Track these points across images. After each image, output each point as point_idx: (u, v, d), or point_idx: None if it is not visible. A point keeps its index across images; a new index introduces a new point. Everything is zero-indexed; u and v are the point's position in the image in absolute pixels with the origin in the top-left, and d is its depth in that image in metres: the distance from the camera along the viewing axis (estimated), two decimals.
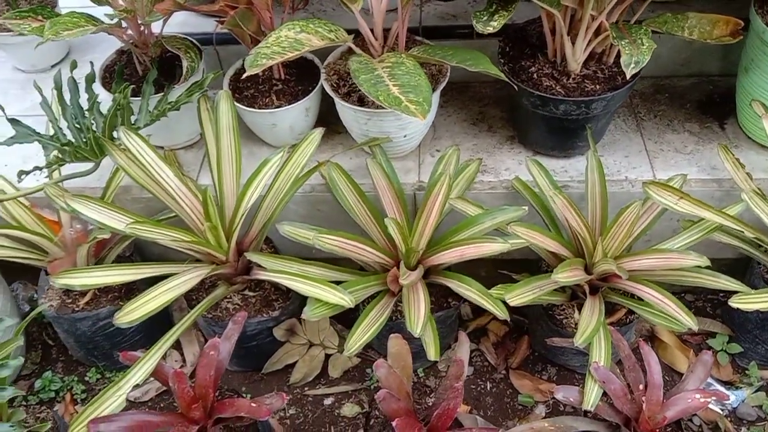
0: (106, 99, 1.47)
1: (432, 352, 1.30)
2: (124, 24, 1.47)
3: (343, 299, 1.28)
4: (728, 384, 1.61)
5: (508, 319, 1.31)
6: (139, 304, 1.24)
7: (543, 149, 1.53)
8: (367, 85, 1.20)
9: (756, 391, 1.58)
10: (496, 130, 1.62)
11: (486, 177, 1.52)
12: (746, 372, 1.61)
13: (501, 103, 1.68)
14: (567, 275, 1.27)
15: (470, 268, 1.67)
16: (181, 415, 1.28)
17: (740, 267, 1.62)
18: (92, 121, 1.40)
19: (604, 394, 1.29)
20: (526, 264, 1.59)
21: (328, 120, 1.59)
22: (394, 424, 1.19)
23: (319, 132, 1.42)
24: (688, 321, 1.25)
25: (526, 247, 1.36)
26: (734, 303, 1.28)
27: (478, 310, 1.76)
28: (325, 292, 1.28)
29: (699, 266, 1.27)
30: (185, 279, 1.31)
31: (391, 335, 1.31)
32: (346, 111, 1.44)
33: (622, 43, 1.15)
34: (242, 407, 1.25)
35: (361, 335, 1.31)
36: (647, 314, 1.35)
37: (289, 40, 1.24)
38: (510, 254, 1.48)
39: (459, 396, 1.27)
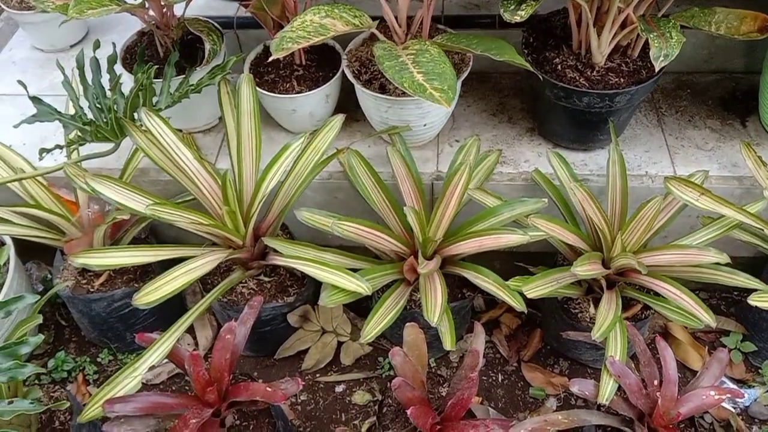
0: (126, 80, 1.47)
1: (448, 342, 1.30)
2: (146, 5, 1.46)
3: (361, 286, 1.28)
4: (741, 382, 1.60)
5: (525, 311, 1.30)
6: (157, 285, 1.24)
7: (563, 142, 1.52)
8: (392, 71, 1.19)
9: None
10: (516, 122, 1.61)
11: (505, 168, 1.51)
12: (759, 371, 1.60)
13: (521, 94, 1.67)
14: (586, 268, 1.27)
15: (485, 260, 1.66)
16: (196, 398, 1.28)
17: (757, 265, 1.61)
18: (114, 102, 1.39)
19: (619, 388, 1.29)
20: (542, 257, 1.59)
21: (347, 107, 1.59)
22: (408, 412, 1.19)
23: (339, 118, 1.42)
24: (706, 317, 1.24)
25: (542, 240, 1.36)
26: (753, 301, 1.28)
27: (492, 302, 1.76)
28: (342, 279, 1.28)
29: (718, 263, 1.26)
30: (203, 262, 1.31)
31: (408, 324, 1.31)
32: (367, 98, 1.44)
33: (651, 36, 1.14)
34: (258, 391, 1.25)
35: (376, 323, 1.31)
36: (664, 310, 1.34)
37: (314, 24, 1.23)
38: (526, 247, 1.47)
39: (474, 386, 1.27)
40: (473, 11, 1.66)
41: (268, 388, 1.24)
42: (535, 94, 1.51)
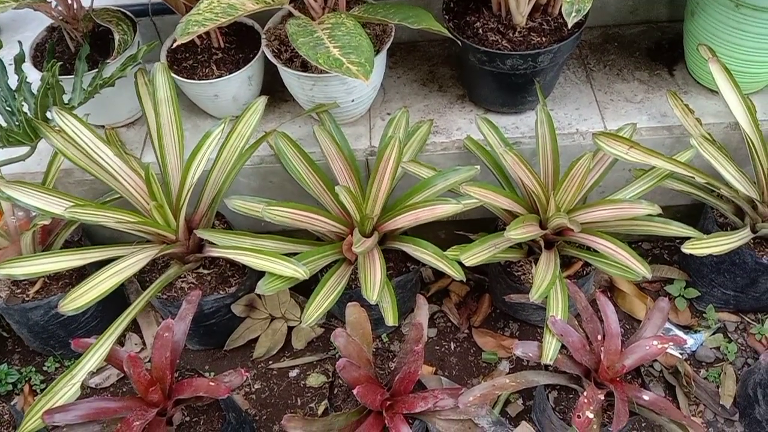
0: (39, 79, 1.40)
1: (390, 318, 1.29)
2: None
3: (298, 271, 1.26)
4: (687, 328, 1.63)
5: (464, 279, 1.30)
6: (84, 290, 1.20)
7: (493, 106, 1.51)
8: (306, 48, 1.16)
9: (714, 334, 1.61)
10: (446, 90, 1.59)
11: (438, 138, 1.50)
12: (704, 315, 1.63)
13: (450, 61, 1.65)
14: (520, 232, 1.26)
15: (430, 232, 1.66)
16: (140, 399, 1.25)
17: (695, 212, 1.64)
18: (23, 103, 1.33)
19: (564, 346, 1.30)
20: (485, 223, 1.59)
21: (274, 88, 1.55)
22: (355, 391, 1.19)
23: (262, 101, 1.38)
24: (642, 269, 1.25)
25: (481, 207, 1.35)
26: (687, 249, 1.29)
27: (439, 272, 1.75)
28: (278, 266, 1.26)
29: (651, 214, 1.27)
30: (132, 261, 1.28)
31: (349, 304, 1.29)
32: (289, 77, 1.40)
33: None
34: (201, 387, 1.23)
35: (318, 306, 1.29)
36: (602, 265, 1.35)
37: (222, 5, 1.19)
38: (468, 215, 1.47)
39: (419, 359, 1.26)
40: None
41: (211, 383, 1.22)
42: (461, 61, 1.49)
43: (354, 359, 1.25)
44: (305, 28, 1.23)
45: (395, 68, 1.65)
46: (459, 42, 1.33)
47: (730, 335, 1.61)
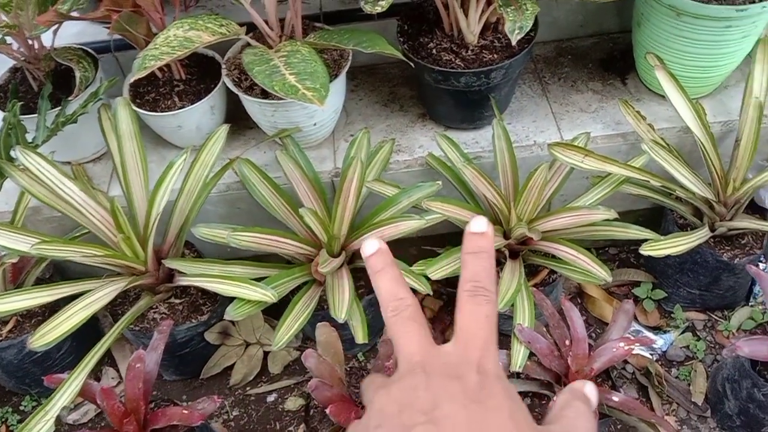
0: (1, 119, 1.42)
1: (360, 335, 1.30)
2: (10, 40, 1.41)
3: (266, 294, 1.27)
4: (656, 329, 1.66)
5: (431, 293, 1.32)
6: (53, 325, 1.21)
7: (453, 123, 1.55)
8: (262, 76, 1.19)
9: (682, 333, 1.64)
10: (407, 109, 1.63)
11: (401, 156, 1.53)
12: (672, 315, 1.67)
13: (410, 81, 1.69)
14: None
15: (401, 248, 1.68)
16: (115, 431, 1.26)
17: (657, 216, 1.68)
18: None
19: (534, 354, 1.33)
20: (455, 237, 1.60)
21: (238, 116, 1.57)
22: (327, 411, 1.20)
23: (224, 129, 1.40)
24: (602, 273, 1.29)
25: (451, 221, 1.37)
26: (644, 250, 1.33)
27: (413, 288, 1.78)
28: (246, 290, 1.27)
29: (608, 219, 1.31)
30: (101, 294, 1.28)
31: (319, 324, 1.31)
32: (250, 105, 1.43)
33: (507, 10, 1.17)
34: (175, 416, 1.24)
35: (288, 328, 1.30)
36: (566, 271, 1.38)
37: (178, 39, 1.22)
38: (437, 229, 1.50)
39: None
40: (351, 5, 1.66)
41: (184, 411, 1.23)
42: (419, 81, 1.53)
43: (326, 379, 1.26)
44: (261, 57, 1.26)
45: (357, 91, 1.68)
46: (411, 63, 1.36)
47: (698, 333, 1.65)
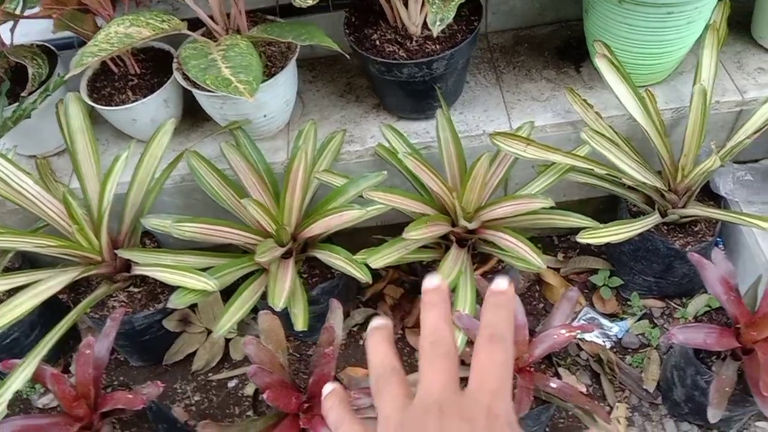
0: None
1: (300, 323, 1.34)
2: None
3: (208, 284, 1.31)
4: (613, 316, 1.67)
5: (370, 282, 1.35)
6: (2, 313, 1.26)
7: (404, 113, 1.56)
8: (195, 70, 1.22)
9: (639, 320, 1.65)
10: (362, 100, 1.65)
11: (353, 147, 1.55)
12: (629, 303, 1.67)
13: (367, 73, 1.70)
14: (420, 232, 1.31)
15: (362, 237, 1.71)
16: (66, 415, 1.31)
17: (613, 204, 1.68)
18: None
19: (472, 341, 1.34)
20: None
21: (195, 108, 1.60)
22: (264, 396, 1.23)
23: (171, 122, 1.44)
24: (538, 261, 1.30)
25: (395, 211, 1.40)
26: (581, 239, 1.34)
27: (377, 276, 1.80)
28: (189, 279, 1.31)
29: (546, 207, 1.32)
30: (52, 283, 1.33)
31: (261, 312, 1.34)
32: (201, 98, 1.46)
33: (434, 2, 1.18)
34: (120, 400, 1.28)
35: (231, 315, 1.34)
36: (508, 258, 1.40)
37: (118, 35, 1.25)
38: (396, 219, 1.52)
39: (331, 361, 1.31)
40: None
41: (129, 395, 1.28)
42: (368, 72, 1.54)
43: (266, 365, 1.29)
44: (200, 51, 1.29)
45: (315, 82, 1.71)
46: (354, 54, 1.38)
47: (655, 321, 1.65)
